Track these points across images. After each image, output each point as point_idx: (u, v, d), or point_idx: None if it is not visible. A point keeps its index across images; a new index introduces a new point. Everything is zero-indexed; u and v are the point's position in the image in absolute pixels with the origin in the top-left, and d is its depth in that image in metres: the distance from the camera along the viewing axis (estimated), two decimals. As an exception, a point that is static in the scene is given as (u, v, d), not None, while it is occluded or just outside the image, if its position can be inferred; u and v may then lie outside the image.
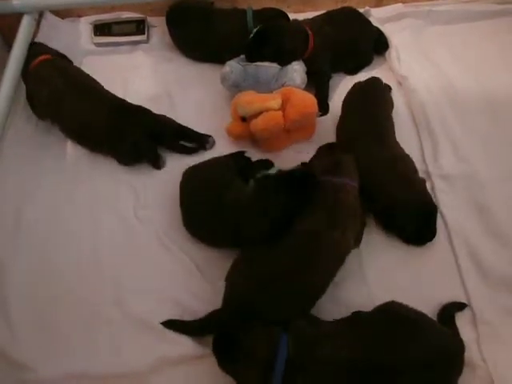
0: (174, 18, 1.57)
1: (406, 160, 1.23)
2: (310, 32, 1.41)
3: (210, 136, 1.35)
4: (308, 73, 1.41)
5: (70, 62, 1.45)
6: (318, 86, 1.45)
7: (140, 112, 1.31)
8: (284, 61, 1.38)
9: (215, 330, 0.98)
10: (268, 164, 1.28)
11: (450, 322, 1.02)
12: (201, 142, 1.34)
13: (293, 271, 0.99)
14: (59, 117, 1.34)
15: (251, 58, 1.39)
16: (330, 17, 1.50)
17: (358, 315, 0.99)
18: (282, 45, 1.37)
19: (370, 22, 1.55)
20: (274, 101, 1.26)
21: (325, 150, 1.25)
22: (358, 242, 1.13)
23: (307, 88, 1.39)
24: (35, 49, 1.44)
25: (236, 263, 1.06)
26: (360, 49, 1.53)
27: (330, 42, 1.44)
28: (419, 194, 1.17)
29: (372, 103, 1.31)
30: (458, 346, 0.94)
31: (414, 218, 1.14)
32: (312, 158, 1.24)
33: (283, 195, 1.06)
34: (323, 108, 1.40)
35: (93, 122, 1.29)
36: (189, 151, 1.34)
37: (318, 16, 1.52)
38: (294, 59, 1.39)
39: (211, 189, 1.13)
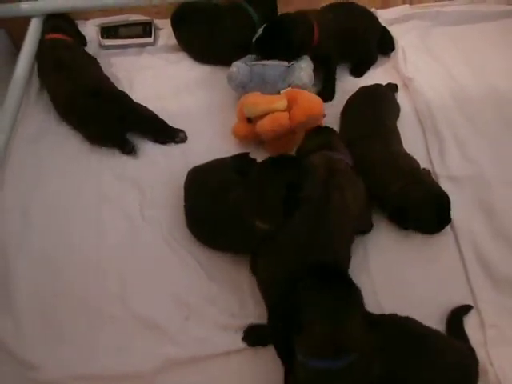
0: (178, 22, 1.58)
1: (409, 157, 1.22)
2: (314, 21, 1.40)
3: (181, 131, 1.38)
4: (315, 61, 1.41)
5: (83, 43, 1.56)
6: (326, 72, 1.46)
7: (115, 97, 1.36)
8: (295, 53, 1.38)
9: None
10: None
11: (460, 330, 1.01)
12: (171, 135, 1.37)
13: (309, 243, 0.98)
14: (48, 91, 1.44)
15: (262, 53, 1.39)
16: (334, 7, 1.50)
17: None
18: (292, 37, 1.36)
19: (373, 15, 1.55)
20: (280, 102, 1.26)
21: (311, 133, 1.23)
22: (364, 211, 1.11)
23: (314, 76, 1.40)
24: (55, 24, 1.51)
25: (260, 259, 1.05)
26: (365, 40, 1.51)
27: (333, 29, 1.43)
28: (427, 184, 1.16)
29: (375, 107, 1.30)
30: (474, 364, 0.94)
31: (427, 209, 1.13)
32: (301, 143, 1.22)
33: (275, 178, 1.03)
34: (328, 94, 1.41)
35: (69, 102, 1.37)
36: (160, 141, 1.38)
37: (323, 7, 1.51)
38: (305, 50, 1.39)
39: (214, 192, 1.13)
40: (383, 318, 0.96)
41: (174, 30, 1.59)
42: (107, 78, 1.46)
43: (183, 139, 1.38)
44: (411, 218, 1.15)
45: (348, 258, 1.05)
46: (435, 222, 1.16)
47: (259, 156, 1.30)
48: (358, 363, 0.82)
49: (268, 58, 1.39)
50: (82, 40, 1.56)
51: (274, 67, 1.38)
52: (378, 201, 1.18)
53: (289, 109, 1.26)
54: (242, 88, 1.39)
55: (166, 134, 1.38)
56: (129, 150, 1.34)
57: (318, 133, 1.21)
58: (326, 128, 1.24)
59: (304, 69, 1.36)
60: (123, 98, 1.38)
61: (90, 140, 1.38)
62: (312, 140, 1.18)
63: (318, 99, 1.29)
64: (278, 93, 1.32)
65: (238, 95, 1.40)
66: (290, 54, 1.39)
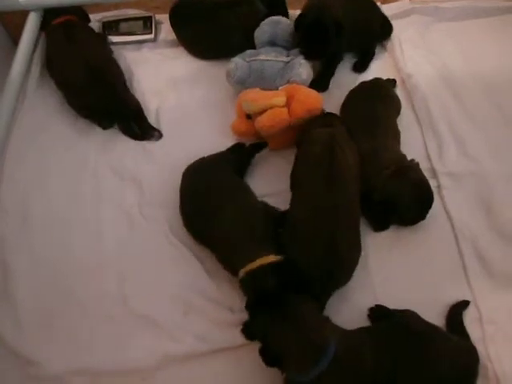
0: (176, 19, 1.57)
1: (394, 151, 1.21)
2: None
3: (157, 130, 1.38)
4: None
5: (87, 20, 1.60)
6: (328, 63, 1.45)
7: (105, 83, 1.37)
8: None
9: None
10: (262, 146, 1.30)
11: (460, 327, 1.02)
12: (147, 132, 1.38)
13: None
14: (53, 75, 1.47)
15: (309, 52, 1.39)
16: None
17: (375, 327, 0.98)
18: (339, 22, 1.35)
19: (376, 4, 1.56)
20: (278, 98, 1.26)
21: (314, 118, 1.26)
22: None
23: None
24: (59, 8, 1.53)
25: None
26: (370, 31, 1.52)
27: (346, 21, 1.41)
28: (408, 178, 1.14)
29: (373, 103, 1.30)
30: (475, 360, 0.94)
31: (408, 204, 1.13)
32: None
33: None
34: (323, 84, 1.42)
35: (71, 84, 1.41)
36: (135, 136, 1.38)
37: None
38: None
39: (209, 193, 1.14)
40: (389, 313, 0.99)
41: (173, 26, 1.58)
42: (112, 62, 1.48)
43: (158, 138, 1.38)
44: (396, 212, 1.15)
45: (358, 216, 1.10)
46: (417, 214, 1.16)
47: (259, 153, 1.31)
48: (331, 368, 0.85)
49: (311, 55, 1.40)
50: (85, 17, 1.58)
51: (272, 63, 1.37)
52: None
53: (288, 104, 1.26)
54: (240, 84, 1.38)
55: (143, 130, 1.38)
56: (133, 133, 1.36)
57: (320, 117, 1.25)
58: (328, 113, 1.29)
59: (303, 65, 1.36)
60: (115, 86, 1.39)
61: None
62: (313, 123, 1.23)
63: (316, 94, 1.29)
64: (277, 89, 1.32)
65: (237, 91, 1.40)
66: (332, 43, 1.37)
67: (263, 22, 1.45)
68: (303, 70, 1.35)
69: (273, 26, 1.43)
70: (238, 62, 1.38)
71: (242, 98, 1.31)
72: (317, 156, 1.11)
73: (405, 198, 1.13)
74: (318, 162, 1.09)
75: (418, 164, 1.17)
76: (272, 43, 1.44)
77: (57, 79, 1.45)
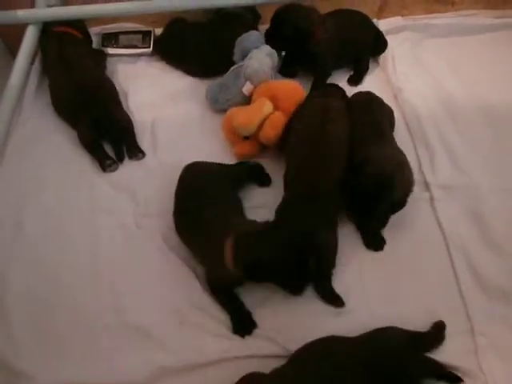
0: (167, 48, 1.60)
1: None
2: (316, 20, 1.43)
3: (141, 151, 1.37)
4: (309, 65, 1.46)
5: (88, 39, 1.62)
6: (316, 80, 1.48)
7: (95, 101, 1.37)
8: (298, 41, 1.41)
9: None
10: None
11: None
12: (130, 153, 1.37)
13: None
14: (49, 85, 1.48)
15: (272, 44, 1.41)
16: (335, 14, 1.53)
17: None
18: (298, 23, 1.39)
19: (371, 21, 1.58)
20: (265, 106, 1.28)
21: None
22: None
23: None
24: None
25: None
26: (363, 48, 1.55)
27: (334, 37, 1.45)
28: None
29: (366, 113, 1.31)
30: None
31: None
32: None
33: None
34: None
35: (63, 98, 1.42)
36: (120, 158, 1.37)
37: (324, 14, 1.53)
38: (306, 40, 1.41)
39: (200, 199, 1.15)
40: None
41: (166, 59, 1.61)
42: (103, 80, 1.48)
43: (140, 159, 1.37)
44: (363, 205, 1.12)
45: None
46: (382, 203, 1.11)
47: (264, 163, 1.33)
48: None
49: (277, 49, 1.42)
50: (87, 35, 1.60)
51: (234, 71, 1.41)
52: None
53: (275, 106, 1.28)
54: (217, 103, 1.43)
55: (128, 149, 1.38)
56: (108, 164, 1.33)
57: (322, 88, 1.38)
58: (331, 85, 1.40)
59: (253, 57, 1.35)
60: (106, 104, 1.39)
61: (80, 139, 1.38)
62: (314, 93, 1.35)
63: (294, 83, 1.34)
64: (241, 91, 1.35)
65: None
66: (295, 42, 1.41)
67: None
68: (254, 60, 1.34)
69: (239, 45, 1.44)
70: (209, 86, 1.45)
71: (229, 124, 1.32)
72: (308, 125, 1.19)
73: (362, 191, 1.10)
74: (309, 130, 1.17)
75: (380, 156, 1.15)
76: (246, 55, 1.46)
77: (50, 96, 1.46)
